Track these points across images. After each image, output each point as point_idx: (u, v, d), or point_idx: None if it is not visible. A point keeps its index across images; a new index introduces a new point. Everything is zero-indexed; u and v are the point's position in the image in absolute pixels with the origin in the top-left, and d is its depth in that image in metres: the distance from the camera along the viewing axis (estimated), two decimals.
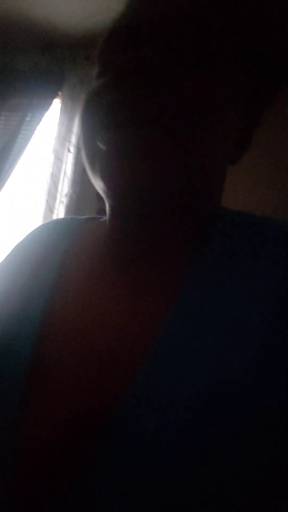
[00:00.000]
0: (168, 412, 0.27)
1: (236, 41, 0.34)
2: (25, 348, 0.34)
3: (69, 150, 2.19)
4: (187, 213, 0.35)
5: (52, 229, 0.46)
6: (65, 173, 2.18)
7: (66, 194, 2.17)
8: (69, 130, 2.20)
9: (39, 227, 0.49)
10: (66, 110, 2.20)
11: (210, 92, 0.32)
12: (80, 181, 2.18)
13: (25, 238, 0.48)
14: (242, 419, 0.27)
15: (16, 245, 0.48)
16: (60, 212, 2.17)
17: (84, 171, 2.21)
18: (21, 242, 0.48)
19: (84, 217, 0.47)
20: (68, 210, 2.17)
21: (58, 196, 2.17)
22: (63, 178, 2.16)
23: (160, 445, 0.27)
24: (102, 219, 0.46)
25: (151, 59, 0.31)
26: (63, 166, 2.16)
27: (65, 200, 2.17)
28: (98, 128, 0.32)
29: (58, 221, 0.48)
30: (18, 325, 0.36)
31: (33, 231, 0.48)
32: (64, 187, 2.17)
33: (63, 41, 2.16)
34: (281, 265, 0.32)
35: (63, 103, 2.22)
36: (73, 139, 2.19)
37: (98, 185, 0.34)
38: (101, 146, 0.32)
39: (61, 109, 2.20)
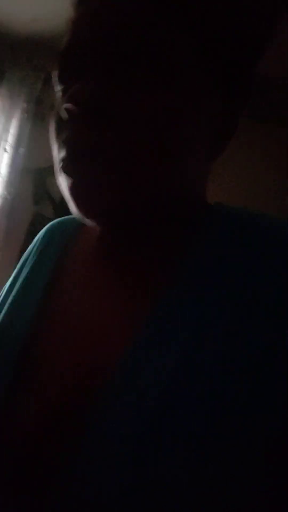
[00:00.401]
0: (146, 401, 0.28)
1: (189, 41, 0.32)
2: (17, 337, 0.37)
3: (5, 150, 2.12)
4: (171, 215, 0.35)
5: (56, 228, 0.48)
6: (0, 173, 2.10)
7: (0, 195, 2.09)
8: (6, 129, 2.13)
9: (47, 226, 0.50)
10: (4, 109, 2.14)
11: (171, 101, 0.31)
12: (17, 183, 2.12)
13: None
14: (223, 418, 0.27)
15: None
16: None
17: (21, 172, 2.17)
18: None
19: None
20: (2, 212, 2.09)
21: None
22: None
23: (138, 433, 0.27)
24: None
25: (91, 91, 0.30)
26: None
27: None
28: (59, 162, 0.33)
29: (63, 220, 0.49)
30: (12, 317, 0.39)
31: (42, 230, 0.50)
32: None
33: (5, 40, 2.10)
34: (272, 264, 0.31)
35: (1, 101, 2.15)
36: (10, 138, 2.12)
37: (73, 210, 0.35)
38: (63, 181, 0.34)
39: None
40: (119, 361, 0.30)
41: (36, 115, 2.16)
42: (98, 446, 0.28)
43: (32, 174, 2.14)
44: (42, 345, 0.36)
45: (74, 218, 0.44)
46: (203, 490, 0.26)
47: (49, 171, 2.11)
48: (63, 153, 0.32)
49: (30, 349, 0.36)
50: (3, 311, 0.42)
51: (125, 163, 0.31)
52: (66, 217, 0.47)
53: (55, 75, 0.35)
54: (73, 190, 0.32)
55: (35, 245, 0.48)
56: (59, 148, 0.33)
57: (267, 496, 0.26)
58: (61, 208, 2.08)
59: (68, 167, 0.32)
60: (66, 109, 0.31)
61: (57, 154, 0.34)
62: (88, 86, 0.31)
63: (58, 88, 0.35)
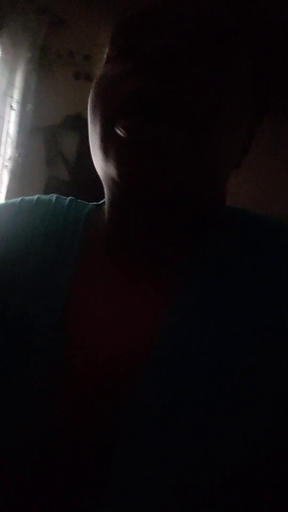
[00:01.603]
0: (178, 402, 0.30)
1: (250, 41, 0.35)
2: (46, 346, 0.34)
3: (11, 107, 2.00)
4: (193, 213, 0.36)
5: (62, 208, 0.43)
6: (8, 133, 2.00)
7: (10, 157, 2.00)
8: (10, 84, 1.99)
9: (38, 200, 0.44)
10: (7, 60, 1.99)
11: (234, 89, 0.33)
12: (26, 143, 2.02)
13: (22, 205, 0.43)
14: (244, 416, 0.29)
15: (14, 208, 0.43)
16: (3, 179, 2.00)
17: (30, 131, 2.10)
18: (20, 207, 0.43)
19: (89, 204, 0.44)
20: (13, 175, 2.01)
21: (1, 160, 2.00)
22: (6, 140, 2.00)
23: (166, 438, 0.29)
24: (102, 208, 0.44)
25: (179, 48, 0.30)
26: (5, 126, 2.00)
27: (9, 164, 2.01)
28: (118, 114, 0.32)
29: (66, 202, 0.44)
30: (36, 317, 0.36)
31: (33, 201, 0.44)
32: (8, 150, 2.00)
33: None
34: (282, 266, 0.34)
35: (3, 51, 2.00)
36: (16, 94, 2.00)
37: (107, 171, 0.34)
38: (120, 133, 0.31)
39: (0, 59, 1.99)
40: (146, 365, 0.31)
41: (43, 65, 2.02)
42: (131, 453, 0.30)
43: (43, 133, 2.05)
44: (66, 348, 0.35)
45: (81, 204, 0.44)
46: (205, 484, 0.28)
47: (61, 128, 2.03)
48: (129, 106, 0.31)
49: (54, 352, 0.35)
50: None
51: (191, 140, 0.31)
52: (62, 198, 0.44)
53: (114, 37, 0.36)
54: (131, 148, 0.31)
55: (37, 227, 0.42)
56: (123, 97, 0.32)
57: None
58: (77, 169, 1.98)
59: (134, 123, 0.31)
60: (151, 57, 0.30)
61: (113, 106, 0.32)
62: (175, 43, 0.31)
63: (121, 42, 0.35)
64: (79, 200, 0.45)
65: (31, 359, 0.34)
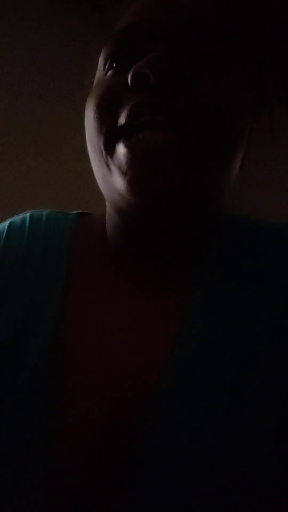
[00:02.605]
0: (191, 425, 0.28)
1: (243, 43, 0.34)
2: (40, 366, 0.31)
3: None
4: (200, 220, 0.35)
5: (39, 226, 0.40)
6: None
7: None
8: None
9: (18, 218, 0.41)
10: None
11: (232, 91, 0.32)
12: None
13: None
14: (269, 440, 0.27)
15: None
16: None
17: None
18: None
19: (72, 212, 0.42)
20: None
21: None
22: None
23: (186, 460, 0.27)
24: (93, 218, 0.42)
25: (169, 62, 0.30)
26: None
27: None
28: (121, 129, 0.31)
29: (45, 215, 0.41)
30: (27, 337, 0.33)
31: (13, 221, 0.41)
32: None
33: None
34: None
35: None
36: None
37: (111, 185, 0.32)
38: (124, 151, 0.30)
39: None
40: (162, 381, 0.29)
41: None
42: (152, 472, 0.27)
43: None
44: (67, 371, 0.32)
45: (61, 214, 0.41)
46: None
47: None
48: (131, 119, 0.30)
49: (60, 375, 0.31)
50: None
51: (188, 146, 0.30)
52: (42, 211, 0.41)
53: (108, 51, 0.34)
54: (132, 165, 0.30)
55: (19, 242, 0.39)
56: (122, 114, 0.31)
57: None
58: None
59: (129, 140, 0.30)
60: (141, 75, 0.29)
61: (114, 121, 0.31)
62: (165, 57, 0.30)
63: (110, 63, 0.34)
64: (57, 211, 0.42)
65: (22, 393, 0.30)
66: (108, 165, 0.32)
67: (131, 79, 0.30)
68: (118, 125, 0.31)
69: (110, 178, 0.32)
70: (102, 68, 0.35)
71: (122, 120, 0.31)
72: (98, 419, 0.29)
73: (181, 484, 0.26)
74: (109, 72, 0.34)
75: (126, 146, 0.30)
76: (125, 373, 0.31)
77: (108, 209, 0.37)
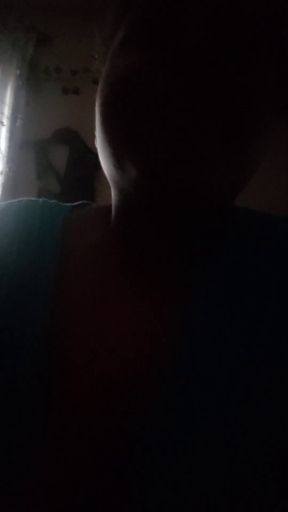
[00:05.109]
0: (189, 421, 0.27)
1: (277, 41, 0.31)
2: (32, 359, 0.30)
3: (2, 123, 2.01)
4: (209, 215, 0.33)
5: (34, 213, 0.39)
6: None
7: (1, 172, 2.00)
8: (0, 100, 2.01)
9: (9, 205, 0.40)
10: None
11: (264, 90, 0.30)
12: (17, 157, 2.02)
13: None
14: (267, 429, 0.27)
15: None
16: None
17: (21, 145, 2.08)
18: None
19: (68, 204, 0.41)
20: (5, 190, 2.01)
21: None
22: None
23: (185, 455, 0.26)
24: (92, 208, 0.42)
25: (216, 44, 0.28)
26: None
27: (0, 179, 2.00)
28: (147, 114, 0.28)
29: (39, 205, 0.40)
30: (21, 327, 0.32)
31: (4, 209, 0.40)
32: None
33: None
34: None
35: None
36: (6, 110, 2.01)
37: (127, 167, 0.30)
38: (148, 131, 0.28)
39: None
40: (161, 371, 0.29)
41: (31, 81, 2.04)
42: (152, 465, 0.27)
43: (33, 147, 2.06)
44: (63, 358, 0.31)
45: (56, 205, 0.41)
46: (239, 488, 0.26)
47: (50, 142, 2.04)
48: (161, 107, 0.28)
49: (51, 370, 0.31)
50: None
51: (223, 144, 0.28)
52: (36, 200, 0.41)
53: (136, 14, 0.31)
54: (166, 146, 0.28)
55: (9, 235, 0.38)
56: (153, 96, 0.28)
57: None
58: (67, 182, 1.98)
59: (184, 115, 0.27)
60: (186, 55, 0.27)
61: (142, 102, 0.29)
62: (213, 38, 0.28)
63: (140, 26, 0.31)
64: (52, 201, 0.41)
65: (17, 382, 0.30)
66: (124, 153, 0.30)
67: (183, 56, 0.27)
68: (144, 109, 0.28)
69: (124, 166, 0.30)
70: (122, 38, 0.31)
71: (151, 103, 0.28)
72: (95, 408, 0.29)
73: (181, 479, 0.26)
74: (130, 45, 0.30)
75: (156, 129, 0.28)
76: (122, 361, 0.30)
77: (114, 202, 0.36)
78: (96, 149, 0.35)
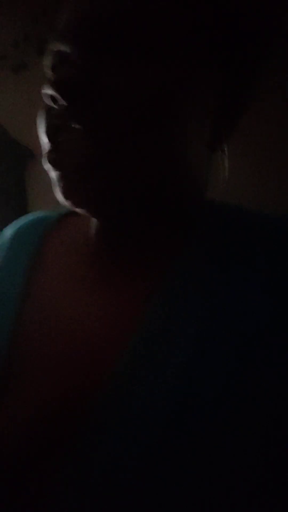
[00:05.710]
0: (144, 406, 0.27)
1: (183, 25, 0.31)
2: None
3: None
4: (165, 209, 0.35)
5: (21, 228, 0.43)
6: None
7: None
8: None
9: (9, 227, 0.46)
10: None
11: (151, 87, 0.30)
12: None
13: None
14: (218, 412, 0.27)
15: None
16: None
17: None
18: None
19: (56, 212, 0.44)
20: None
21: None
22: None
23: (137, 436, 0.27)
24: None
25: (71, 79, 0.30)
26: None
27: None
28: (43, 148, 0.32)
29: (28, 219, 0.45)
30: None
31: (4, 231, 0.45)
32: None
33: None
34: (268, 266, 0.31)
35: None
36: None
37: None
38: (49, 167, 0.32)
39: None
40: (113, 369, 0.29)
41: None
42: (94, 460, 0.27)
43: None
44: (23, 352, 0.33)
45: (41, 217, 0.44)
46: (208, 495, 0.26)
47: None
48: (46, 143, 0.32)
49: (14, 355, 0.33)
50: None
51: (110, 152, 0.30)
52: (29, 215, 0.45)
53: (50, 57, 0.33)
54: (59, 180, 0.31)
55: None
56: (43, 135, 0.32)
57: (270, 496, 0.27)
58: None
59: (52, 158, 0.31)
60: (50, 96, 0.30)
61: (43, 140, 0.33)
62: (72, 71, 0.30)
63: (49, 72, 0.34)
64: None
65: None
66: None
67: (44, 105, 0.31)
68: (45, 141, 0.32)
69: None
70: None
71: (45, 139, 0.32)
72: (52, 387, 0.30)
73: (130, 462, 0.26)
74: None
75: (49, 167, 0.32)
76: (83, 345, 0.31)
77: None
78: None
